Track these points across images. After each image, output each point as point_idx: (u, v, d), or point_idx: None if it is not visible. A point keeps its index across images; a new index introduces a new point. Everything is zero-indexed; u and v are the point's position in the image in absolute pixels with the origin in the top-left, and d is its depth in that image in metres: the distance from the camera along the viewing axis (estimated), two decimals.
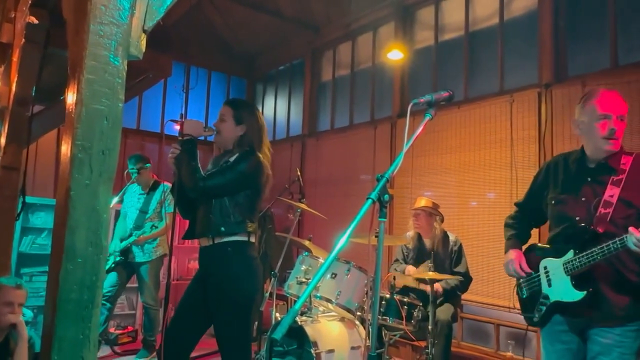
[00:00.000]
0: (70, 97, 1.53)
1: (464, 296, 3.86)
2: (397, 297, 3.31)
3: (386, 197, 1.46)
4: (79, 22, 1.55)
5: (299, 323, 3.18)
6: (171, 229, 2.60)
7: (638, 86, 3.49)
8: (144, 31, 1.67)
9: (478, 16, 4.80)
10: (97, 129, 1.51)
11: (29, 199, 2.82)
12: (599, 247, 1.84)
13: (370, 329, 1.49)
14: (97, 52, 1.51)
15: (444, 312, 3.49)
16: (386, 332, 3.50)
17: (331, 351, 3.15)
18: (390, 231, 5.03)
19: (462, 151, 4.55)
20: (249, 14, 6.58)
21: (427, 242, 3.77)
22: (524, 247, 2.26)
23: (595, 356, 1.92)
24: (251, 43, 7.35)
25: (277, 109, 7.42)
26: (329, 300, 3.22)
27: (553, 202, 2.11)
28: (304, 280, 3.30)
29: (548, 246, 2.13)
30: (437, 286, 3.50)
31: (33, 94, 2.93)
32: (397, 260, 3.93)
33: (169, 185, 4.30)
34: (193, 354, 2.45)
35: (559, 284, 2.00)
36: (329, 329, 3.31)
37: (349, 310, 3.25)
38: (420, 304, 3.36)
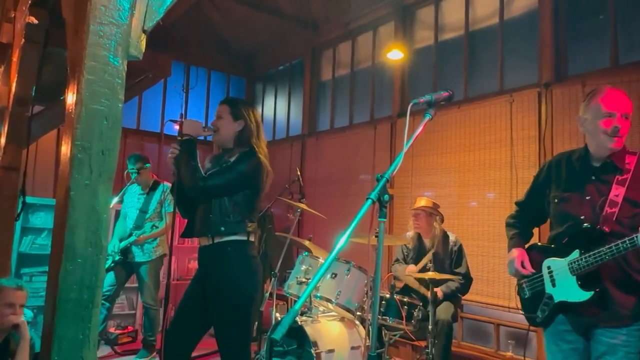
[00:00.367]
0: (70, 98, 1.54)
1: (464, 296, 3.86)
2: (397, 297, 3.31)
3: (386, 197, 1.46)
4: (79, 22, 1.55)
5: (299, 323, 3.18)
6: (171, 229, 2.60)
7: (638, 85, 3.49)
8: (144, 31, 1.67)
9: (478, 16, 4.79)
10: (97, 129, 1.51)
11: (28, 199, 2.82)
12: (607, 246, 1.83)
13: (370, 329, 1.49)
14: (97, 52, 1.51)
15: (444, 311, 3.49)
16: (386, 332, 3.50)
17: (331, 351, 3.15)
18: (390, 231, 5.03)
19: (462, 151, 4.55)
20: (249, 13, 6.58)
21: (427, 242, 3.77)
22: (526, 247, 2.24)
23: (601, 356, 1.91)
24: (251, 42, 7.34)
25: (276, 109, 7.42)
26: (329, 300, 3.22)
27: (556, 200, 2.09)
28: (304, 280, 3.30)
29: (551, 246, 2.11)
30: (438, 291, 3.50)
31: (33, 94, 2.93)
32: (397, 260, 3.93)
33: (169, 185, 4.30)
34: (193, 354, 2.45)
35: (564, 284, 1.98)
36: (329, 329, 3.31)
37: (349, 310, 3.25)
38: (420, 303, 3.36)
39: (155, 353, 4.31)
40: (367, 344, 3.20)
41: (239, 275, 2.34)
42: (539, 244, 2.21)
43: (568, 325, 2.03)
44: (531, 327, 2.22)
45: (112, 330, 4.89)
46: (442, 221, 3.79)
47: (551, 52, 4.04)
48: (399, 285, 3.72)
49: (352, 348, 3.29)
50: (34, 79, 2.89)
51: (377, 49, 5.81)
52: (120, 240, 4.31)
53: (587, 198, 1.97)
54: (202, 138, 2.52)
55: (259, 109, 7.62)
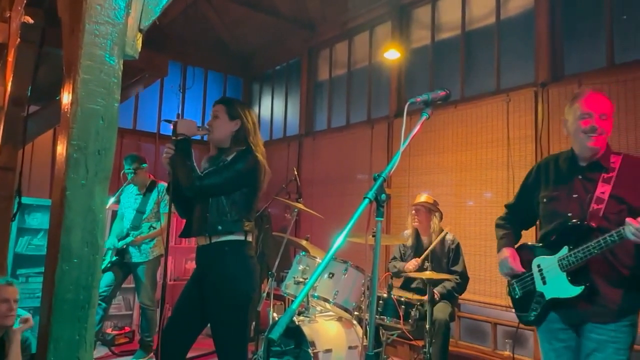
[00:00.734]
0: (66, 97, 1.53)
1: (461, 295, 3.86)
2: (394, 296, 3.31)
3: (383, 196, 1.47)
4: (75, 21, 1.54)
5: (297, 323, 3.18)
6: (167, 230, 2.58)
7: (634, 85, 3.50)
8: (140, 31, 1.66)
9: (474, 15, 4.80)
10: (93, 129, 1.50)
11: (24, 200, 2.81)
12: (595, 241, 1.87)
13: (367, 329, 1.49)
14: (93, 51, 1.51)
15: (442, 311, 3.49)
16: (384, 331, 3.50)
17: (329, 351, 3.15)
18: (388, 230, 5.03)
19: (458, 150, 4.55)
20: (246, 13, 6.57)
21: (425, 240, 3.77)
22: (515, 247, 2.27)
23: (591, 353, 1.93)
24: (248, 42, 7.34)
25: (273, 109, 7.41)
26: (326, 300, 3.22)
27: (545, 200, 2.13)
28: (301, 280, 3.29)
29: (539, 244, 2.14)
30: (435, 292, 3.50)
31: (28, 93, 2.91)
32: (394, 258, 3.94)
33: (165, 185, 4.29)
34: (190, 354, 2.44)
35: (554, 280, 2.01)
36: (327, 329, 3.31)
37: (346, 310, 3.25)
38: (418, 303, 3.36)
39: (152, 354, 4.30)
40: (364, 344, 3.20)
41: (236, 275, 2.34)
42: (529, 243, 2.25)
43: (560, 323, 2.05)
44: (520, 325, 2.25)
45: (109, 330, 4.87)
46: (441, 219, 3.80)
47: (547, 52, 4.05)
48: (396, 291, 3.71)
49: (350, 348, 3.29)
50: (30, 78, 2.87)
51: (374, 49, 5.81)
52: (119, 240, 4.30)
53: (574, 196, 2.03)
54: (198, 137, 2.51)
55: (256, 109, 7.62)
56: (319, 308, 3.58)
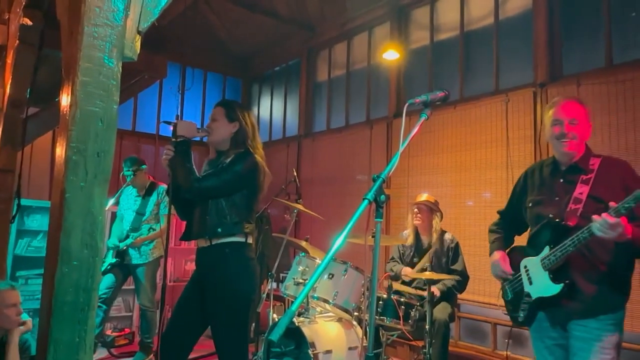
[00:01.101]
0: (65, 99, 1.53)
1: (461, 295, 3.87)
2: (394, 297, 3.31)
3: (382, 197, 1.47)
4: (73, 23, 1.54)
5: (297, 324, 3.18)
6: (167, 231, 2.58)
7: (632, 85, 3.51)
8: (139, 32, 1.66)
9: (473, 16, 4.81)
10: (92, 131, 1.50)
11: (24, 202, 2.81)
12: (569, 238, 1.94)
13: (367, 329, 1.49)
14: (92, 53, 1.51)
15: (441, 311, 3.49)
16: (384, 332, 3.50)
17: (329, 352, 3.15)
18: (387, 231, 5.03)
19: (458, 151, 4.56)
20: (245, 14, 6.57)
21: (425, 240, 3.77)
22: (507, 250, 2.35)
23: (577, 352, 1.98)
24: (247, 43, 7.34)
25: (273, 110, 7.41)
26: (326, 301, 3.22)
27: (530, 204, 2.22)
28: (301, 281, 3.29)
29: (527, 246, 2.23)
30: (435, 289, 3.50)
31: (27, 95, 2.91)
32: (392, 258, 3.94)
33: (165, 187, 4.29)
34: (191, 356, 2.44)
35: (539, 280, 2.08)
36: (327, 330, 3.31)
37: (346, 311, 3.25)
38: (418, 303, 3.36)
39: (152, 355, 4.29)
40: (364, 345, 3.20)
41: (236, 276, 2.34)
42: (518, 245, 2.33)
43: (548, 322, 2.12)
44: (522, 327, 2.31)
45: (108, 332, 4.87)
46: (441, 219, 3.80)
47: (546, 52, 4.05)
48: (396, 285, 3.71)
49: (350, 348, 3.29)
50: (29, 80, 2.87)
51: (373, 50, 5.81)
52: (119, 242, 4.30)
53: (556, 199, 2.11)
54: (197, 139, 2.51)
55: (255, 110, 7.62)
56: (318, 309, 3.58)
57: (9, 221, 2.97)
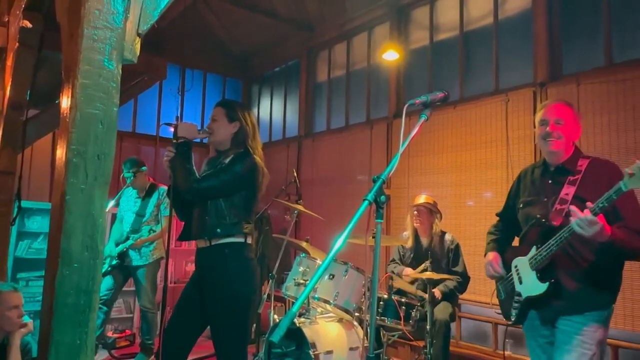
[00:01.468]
0: (65, 102, 1.53)
1: (462, 295, 3.86)
2: (395, 297, 3.31)
3: (383, 198, 1.47)
4: (73, 26, 1.55)
5: (297, 324, 3.18)
6: (168, 232, 2.59)
7: (632, 84, 3.50)
8: (138, 35, 1.66)
9: (473, 16, 4.81)
10: (92, 133, 1.50)
11: (24, 204, 2.81)
12: (553, 238, 1.98)
13: (368, 330, 1.49)
14: (91, 56, 1.51)
15: (442, 311, 3.49)
16: (384, 332, 3.50)
17: (330, 352, 3.15)
18: (388, 232, 5.03)
19: (458, 151, 4.56)
20: (244, 15, 6.57)
21: (424, 241, 3.77)
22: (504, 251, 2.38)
23: (559, 345, 2.02)
24: (246, 44, 7.34)
25: (272, 110, 7.41)
26: (327, 302, 3.22)
27: (521, 205, 2.27)
28: (301, 281, 3.29)
29: (518, 246, 2.27)
30: (436, 291, 3.50)
31: (27, 98, 2.92)
32: (393, 260, 3.93)
33: (165, 188, 4.29)
34: (191, 357, 2.44)
35: (527, 279, 2.12)
36: (327, 330, 3.31)
37: (347, 311, 3.25)
38: (418, 304, 3.36)
39: (153, 356, 4.29)
40: (365, 345, 3.20)
41: (236, 277, 2.34)
42: (512, 246, 2.37)
43: (540, 320, 2.15)
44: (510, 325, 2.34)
45: (109, 334, 4.87)
46: (441, 219, 3.80)
47: (546, 52, 4.05)
48: (397, 285, 3.71)
49: (351, 349, 3.29)
50: (29, 83, 2.88)
51: (373, 50, 5.81)
52: (117, 244, 4.30)
53: (544, 199, 2.15)
54: (198, 140, 2.51)
55: (255, 111, 7.62)
56: (319, 309, 3.58)
57: (10, 223, 2.97)
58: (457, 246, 3.72)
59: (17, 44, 2.82)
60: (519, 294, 2.16)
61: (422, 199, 3.80)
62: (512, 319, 2.22)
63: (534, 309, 2.14)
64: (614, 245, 1.85)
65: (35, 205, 4.73)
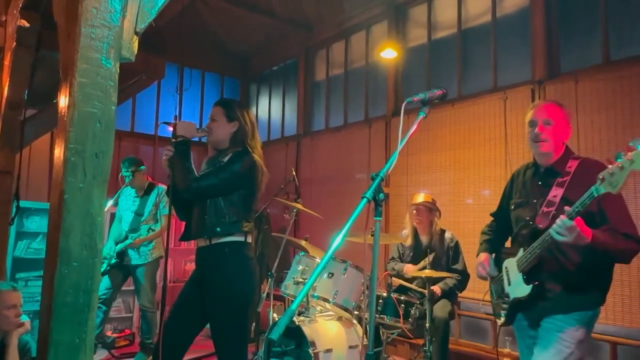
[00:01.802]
0: (63, 101, 1.53)
1: (461, 293, 3.87)
2: (394, 295, 3.31)
3: (381, 195, 1.47)
4: (70, 25, 1.54)
5: (297, 323, 3.18)
6: (167, 231, 2.59)
7: (630, 81, 3.51)
8: (136, 33, 1.66)
9: (470, 14, 4.81)
10: (90, 132, 1.50)
11: (23, 203, 2.81)
12: (537, 240, 1.97)
13: (367, 328, 1.49)
14: (89, 55, 1.51)
15: (441, 309, 3.50)
16: (384, 330, 3.51)
17: (329, 351, 3.15)
18: (387, 230, 5.04)
19: (456, 149, 4.56)
20: (242, 14, 6.56)
21: (424, 239, 3.78)
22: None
23: (539, 342, 2.02)
24: (245, 43, 7.33)
25: (271, 109, 7.41)
26: (326, 300, 3.23)
27: (512, 207, 2.27)
28: (300, 280, 3.29)
29: (510, 247, 2.28)
30: (436, 288, 3.51)
31: (25, 97, 2.91)
32: (393, 258, 3.94)
33: (164, 187, 4.29)
34: (190, 356, 2.44)
35: (515, 281, 2.12)
36: (327, 329, 3.31)
37: (346, 310, 3.26)
38: (418, 302, 3.36)
39: (152, 356, 4.29)
40: (364, 343, 3.20)
41: (236, 276, 2.34)
42: (504, 247, 2.37)
43: (527, 321, 2.15)
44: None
45: (109, 333, 4.87)
46: (439, 216, 3.80)
47: (543, 49, 4.06)
48: (396, 282, 3.72)
49: (350, 347, 3.30)
50: (27, 82, 2.87)
51: (371, 48, 5.81)
52: (116, 244, 4.30)
53: (533, 201, 2.15)
54: (196, 139, 2.51)
55: (254, 110, 7.61)
56: (318, 308, 3.58)
57: (8, 223, 2.97)
58: (457, 244, 3.73)
59: (15, 43, 2.81)
60: (507, 295, 2.17)
61: (421, 197, 3.80)
62: (502, 320, 2.22)
63: (521, 311, 2.14)
64: (596, 249, 1.84)
65: (34, 205, 4.72)
